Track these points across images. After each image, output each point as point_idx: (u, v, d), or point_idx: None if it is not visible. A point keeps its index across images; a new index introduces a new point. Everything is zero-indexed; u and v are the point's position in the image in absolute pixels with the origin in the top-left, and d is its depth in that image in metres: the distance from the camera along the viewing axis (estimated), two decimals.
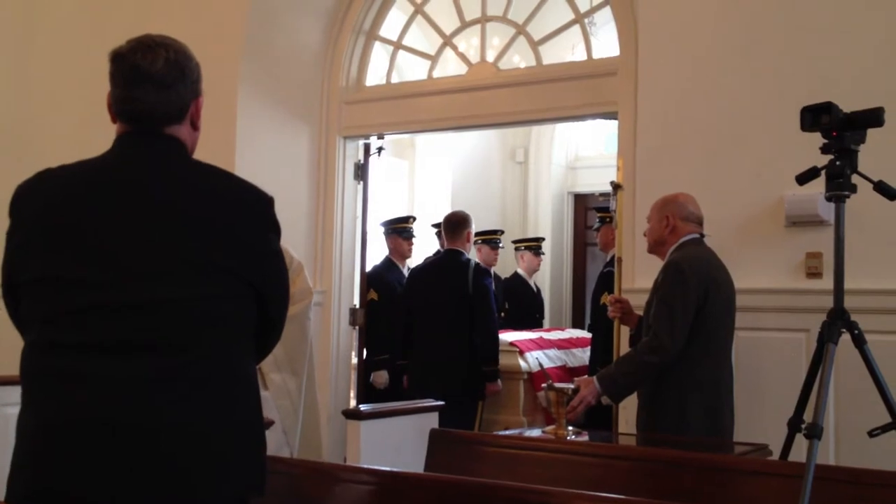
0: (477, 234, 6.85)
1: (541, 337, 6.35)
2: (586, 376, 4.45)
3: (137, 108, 2.02)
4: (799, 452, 2.99)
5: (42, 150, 5.39)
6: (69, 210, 1.96)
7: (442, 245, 6.70)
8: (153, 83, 2.01)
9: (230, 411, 1.98)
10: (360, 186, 6.01)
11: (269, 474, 2.54)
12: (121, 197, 1.95)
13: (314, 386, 4.44)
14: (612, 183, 4.55)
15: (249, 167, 5.26)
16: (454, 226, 5.67)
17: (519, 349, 6.04)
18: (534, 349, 6.13)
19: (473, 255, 6.19)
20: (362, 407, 3.94)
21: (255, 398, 2.09)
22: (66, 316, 1.91)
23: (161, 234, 1.93)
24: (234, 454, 1.97)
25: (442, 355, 5.43)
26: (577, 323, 8.78)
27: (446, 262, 5.66)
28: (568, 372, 6.17)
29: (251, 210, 2.04)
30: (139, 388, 1.88)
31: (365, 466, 2.92)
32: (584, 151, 9.55)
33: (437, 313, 5.54)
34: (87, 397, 1.88)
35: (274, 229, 2.10)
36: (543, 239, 8.02)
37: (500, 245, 7.51)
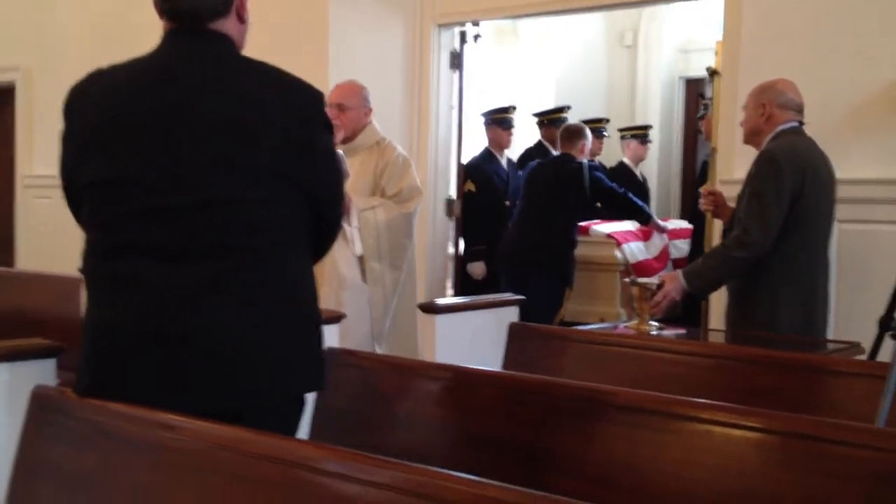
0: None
1: (640, 228, 6.21)
2: (672, 271, 4.34)
3: (180, 5, 1.98)
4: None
5: None
6: (120, 112, 1.96)
7: (543, 136, 6.64)
8: None
9: (283, 314, 1.99)
10: (456, 76, 5.90)
11: (340, 367, 2.57)
12: (169, 98, 1.94)
13: (414, 284, 4.45)
14: (708, 69, 4.33)
15: (343, 60, 5.22)
16: (571, 134, 5.76)
17: (616, 241, 5.94)
18: (631, 240, 6.02)
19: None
20: (438, 301, 3.95)
21: (312, 298, 2.10)
22: (122, 219, 1.94)
23: (210, 136, 1.92)
24: (287, 355, 1.99)
25: (541, 235, 5.53)
26: (686, 214, 8.54)
27: (562, 164, 5.73)
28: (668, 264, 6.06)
29: (299, 108, 2.01)
30: (193, 294, 1.91)
31: (433, 362, 2.94)
32: (698, 33, 9.08)
33: (543, 203, 5.60)
34: (143, 303, 1.92)
35: (324, 126, 2.07)
36: (650, 127, 7.75)
37: (606, 134, 7.32)
